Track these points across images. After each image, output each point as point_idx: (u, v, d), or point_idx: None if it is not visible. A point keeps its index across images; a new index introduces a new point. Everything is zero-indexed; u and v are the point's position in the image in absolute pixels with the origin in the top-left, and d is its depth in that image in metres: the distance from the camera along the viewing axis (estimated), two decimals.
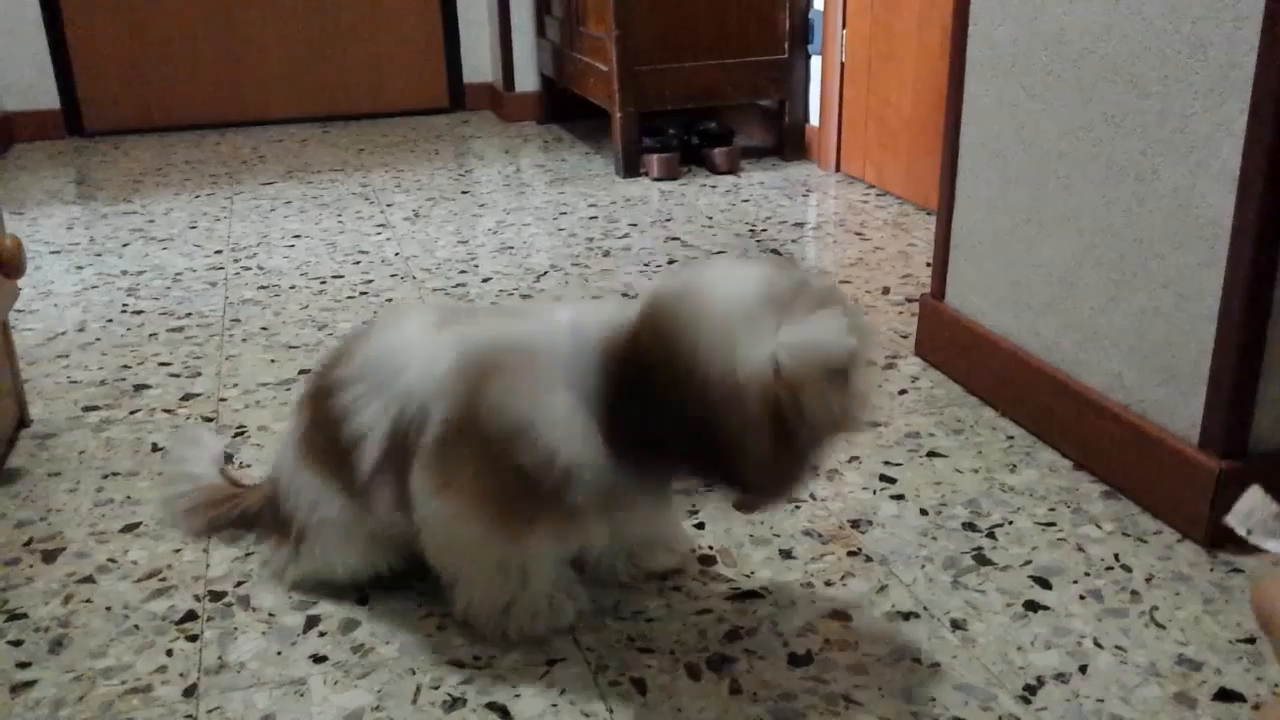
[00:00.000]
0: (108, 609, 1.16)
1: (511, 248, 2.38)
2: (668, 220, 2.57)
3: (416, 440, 1.01)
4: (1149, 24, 1.23)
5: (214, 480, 1.29)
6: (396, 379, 1.02)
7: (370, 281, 2.19)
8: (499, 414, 0.96)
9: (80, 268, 2.32)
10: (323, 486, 1.10)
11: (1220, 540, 1.22)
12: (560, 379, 0.95)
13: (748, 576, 1.20)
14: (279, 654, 1.08)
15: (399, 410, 1.02)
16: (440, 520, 1.01)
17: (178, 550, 1.27)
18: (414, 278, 2.20)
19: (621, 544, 1.17)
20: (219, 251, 2.42)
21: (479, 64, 3.96)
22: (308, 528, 1.12)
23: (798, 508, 1.33)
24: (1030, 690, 1.01)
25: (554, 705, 1.01)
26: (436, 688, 1.03)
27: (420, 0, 3.85)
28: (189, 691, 1.03)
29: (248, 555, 1.25)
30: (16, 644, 1.11)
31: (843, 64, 2.86)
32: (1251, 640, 1.07)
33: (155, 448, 1.51)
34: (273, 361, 1.81)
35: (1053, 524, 1.28)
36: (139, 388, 1.72)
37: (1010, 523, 1.29)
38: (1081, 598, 1.15)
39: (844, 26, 2.83)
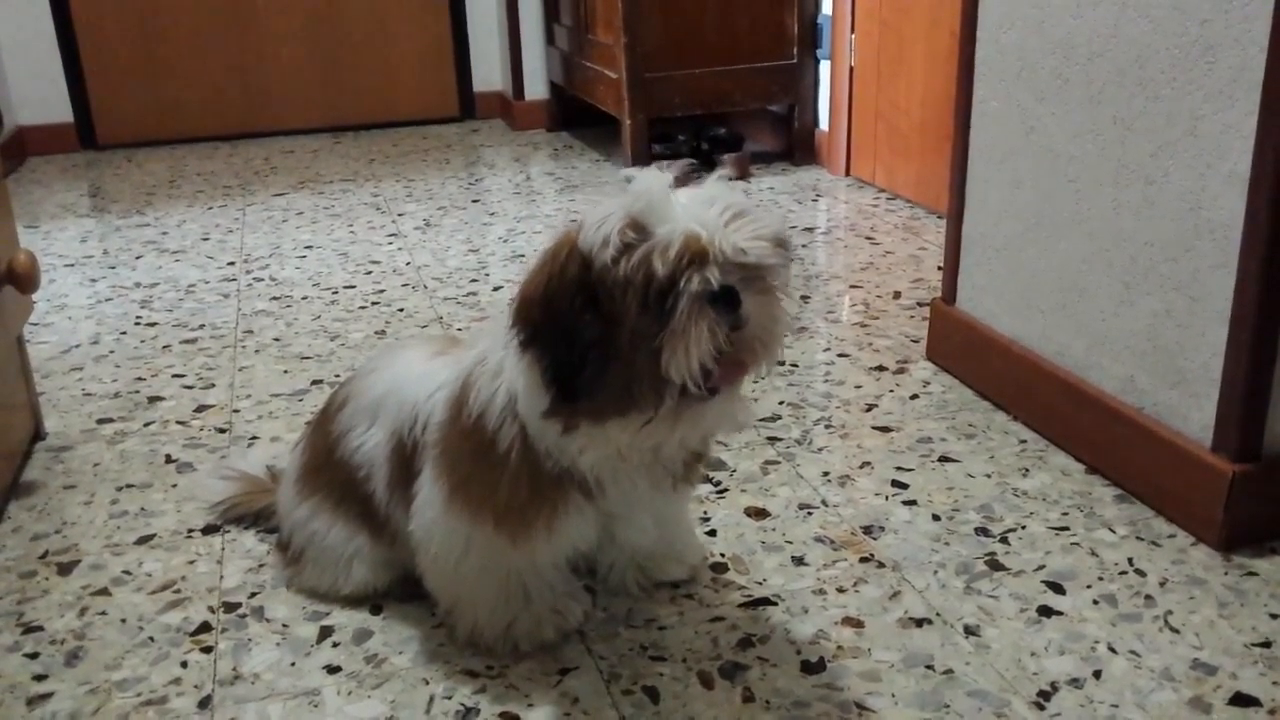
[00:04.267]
0: (123, 621, 1.17)
1: (522, 256, 2.39)
2: None
3: (420, 452, 1.04)
4: (1157, 26, 1.23)
5: (257, 475, 1.38)
6: (399, 404, 1.07)
7: (382, 291, 2.20)
8: (478, 406, 0.98)
9: (94, 280, 2.34)
10: (325, 517, 1.15)
11: (1235, 543, 1.22)
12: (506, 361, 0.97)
13: (760, 584, 1.20)
14: (293, 665, 1.09)
15: (403, 428, 1.06)
16: (450, 530, 1.01)
17: (191, 562, 1.27)
18: (425, 287, 2.21)
19: (632, 555, 1.17)
20: (231, 263, 2.43)
21: (489, 73, 3.97)
22: (305, 551, 1.18)
23: (810, 514, 1.33)
24: (1044, 696, 1.01)
25: (567, 714, 1.01)
26: (450, 697, 1.03)
27: (430, 10, 3.86)
28: (204, 703, 1.04)
29: (261, 566, 1.26)
30: (33, 656, 1.12)
31: (852, 68, 2.86)
32: (1267, 644, 1.07)
33: (169, 459, 1.52)
34: (285, 372, 1.81)
35: (1066, 528, 1.28)
36: (153, 400, 1.73)
37: (1023, 527, 1.28)
38: (1095, 602, 1.14)
39: (853, 31, 2.83)
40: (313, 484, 1.16)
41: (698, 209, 0.87)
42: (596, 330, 0.87)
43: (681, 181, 0.91)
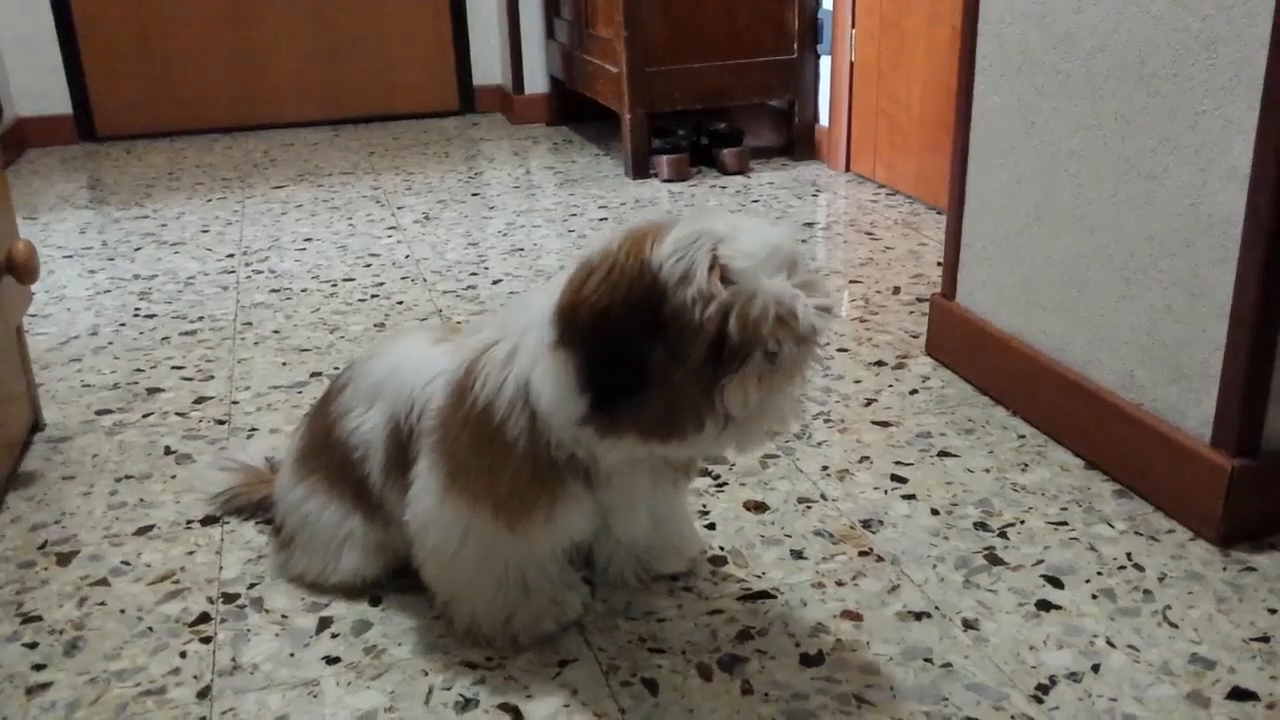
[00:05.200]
0: (122, 611, 1.17)
1: (522, 250, 2.39)
2: None
3: (416, 439, 1.04)
4: (1159, 21, 1.23)
5: (257, 466, 1.38)
6: (398, 388, 1.07)
7: (381, 284, 2.19)
8: (484, 392, 0.97)
9: (93, 272, 2.33)
10: (319, 500, 1.15)
11: (1233, 539, 1.22)
12: (532, 349, 0.96)
13: (759, 577, 1.20)
14: (292, 655, 1.09)
15: (400, 413, 1.06)
16: (448, 518, 1.01)
17: (191, 553, 1.27)
18: (425, 280, 2.21)
19: (630, 548, 1.17)
20: (230, 255, 2.43)
21: (489, 67, 3.97)
22: (296, 535, 1.18)
23: (809, 507, 1.33)
24: (1043, 690, 1.01)
25: (566, 706, 1.01)
26: (449, 689, 1.04)
27: (430, 3, 3.86)
28: (203, 693, 1.04)
29: (260, 557, 1.26)
30: (32, 646, 1.12)
31: (852, 63, 2.86)
32: (1265, 639, 1.07)
33: (168, 451, 1.52)
34: (284, 364, 1.81)
35: (1064, 523, 1.28)
36: (152, 391, 1.73)
37: (1022, 522, 1.29)
38: (1094, 597, 1.14)
39: (853, 26, 2.83)
40: (309, 466, 1.16)
41: (779, 274, 0.87)
42: (651, 354, 0.87)
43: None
